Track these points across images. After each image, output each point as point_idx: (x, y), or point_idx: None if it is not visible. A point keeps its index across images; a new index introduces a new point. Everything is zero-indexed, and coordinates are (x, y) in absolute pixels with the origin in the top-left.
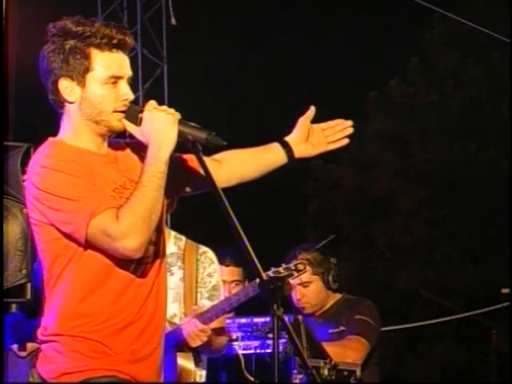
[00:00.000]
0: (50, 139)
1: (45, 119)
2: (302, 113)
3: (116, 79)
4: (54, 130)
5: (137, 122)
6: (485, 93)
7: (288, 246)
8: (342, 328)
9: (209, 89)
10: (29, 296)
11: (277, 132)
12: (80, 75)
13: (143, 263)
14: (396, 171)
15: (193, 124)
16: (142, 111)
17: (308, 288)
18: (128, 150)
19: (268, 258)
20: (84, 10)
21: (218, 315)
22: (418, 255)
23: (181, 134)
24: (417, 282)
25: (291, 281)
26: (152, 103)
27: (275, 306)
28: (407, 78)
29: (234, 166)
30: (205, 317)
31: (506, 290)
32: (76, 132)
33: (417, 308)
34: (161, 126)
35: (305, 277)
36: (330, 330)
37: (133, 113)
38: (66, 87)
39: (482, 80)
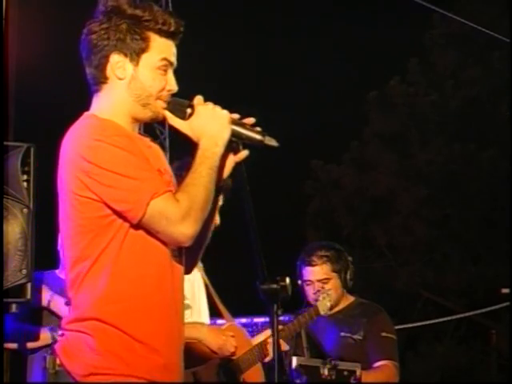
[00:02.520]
0: (88, 114)
1: (45, 119)
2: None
3: (167, 66)
4: (54, 130)
5: (183, 116)
6: (485, 93)
7: (288, 246)
8: (358, 336)
9: (209, 89)
10: (29, 296)
11: (278, 132)
12: (135, 53)
13: (179, 254)
14: (396, 171)
15: (245, 122)
16: (190, 106)
17: (326, 285)
18: (155, 144)
19: (268, 257)
20: (84, 11)
21: None
22: (418, 255)
23: (235, 133)
24: (417, 282)
25: (311, 277)
26: (200, 98)
27: (275, 306)
28: (407, 78)
29: None
30: None
31: (506, 290)
32: (116, 110)
33: (417, 308)
34: (218, 122)
35: (324, 273)
36: (342, 333)
37: (178, 107)
38: (118, 62)
39: (482, 80)
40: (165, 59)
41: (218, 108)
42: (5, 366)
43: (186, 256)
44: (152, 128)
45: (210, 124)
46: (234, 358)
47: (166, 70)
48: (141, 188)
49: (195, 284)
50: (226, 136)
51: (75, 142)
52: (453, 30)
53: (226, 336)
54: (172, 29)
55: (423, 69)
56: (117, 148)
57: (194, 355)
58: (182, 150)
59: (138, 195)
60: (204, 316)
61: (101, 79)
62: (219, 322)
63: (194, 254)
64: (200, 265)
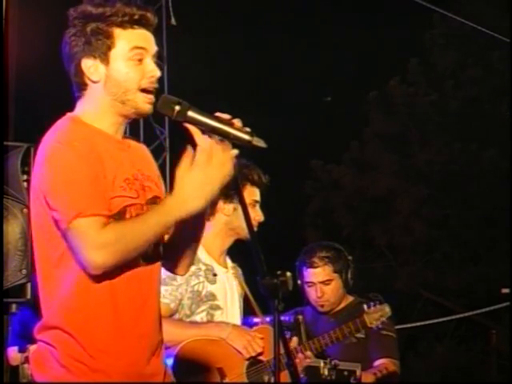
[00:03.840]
0: (69, 114)
1: (45, 119)
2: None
3: (141, 54)
4: None
5: (171, 113)
6: (485, 93)
7: (288, 246)
8: (360, 335)
9: (209, 89)
10: (29, 296)
11: (278, 132)
12: (103, 53)
13: (150, 261)
14: (396, 171)
15: (234, 122)
16: (179, 103)
17: (329, 286)
18: (138, 145)
19: (268, 257)
20: None
21: None
22: (418, 255)
23: (223, 133)
24: (417, 282)
25: (313, 279)
26: (197, 131)
27: (276, 302)
28: (407, 78)
29: None
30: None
31: (506, 290)
32: (97, 112)
33: (417, 308)
34: (205, 191)
35: (326, 274)
36: None
37: (168, 103)
38: (90, 66)
39: (482, 80)
40: (135, 48)
41: (216, 166)
42: (5, 366)
43: (166, 262)
44: (152, 128)
45: (196, 191)
46: (263, 359)
47: (140, 59)
48: (70, 204)
49: (227, 287)
50: (202, 206)
51: (44, 143)
52: (453, 30)
53: (252, 337)
54: (135, 17)
55: (423, 69)
56: (71, 155)
57: (218, 353)
58: (181, 150)
59: (66, 210)
60: (235, 318)
61: (81, 86)
62: (255, 320)
63: (173, 262)
64: (239, 271)
